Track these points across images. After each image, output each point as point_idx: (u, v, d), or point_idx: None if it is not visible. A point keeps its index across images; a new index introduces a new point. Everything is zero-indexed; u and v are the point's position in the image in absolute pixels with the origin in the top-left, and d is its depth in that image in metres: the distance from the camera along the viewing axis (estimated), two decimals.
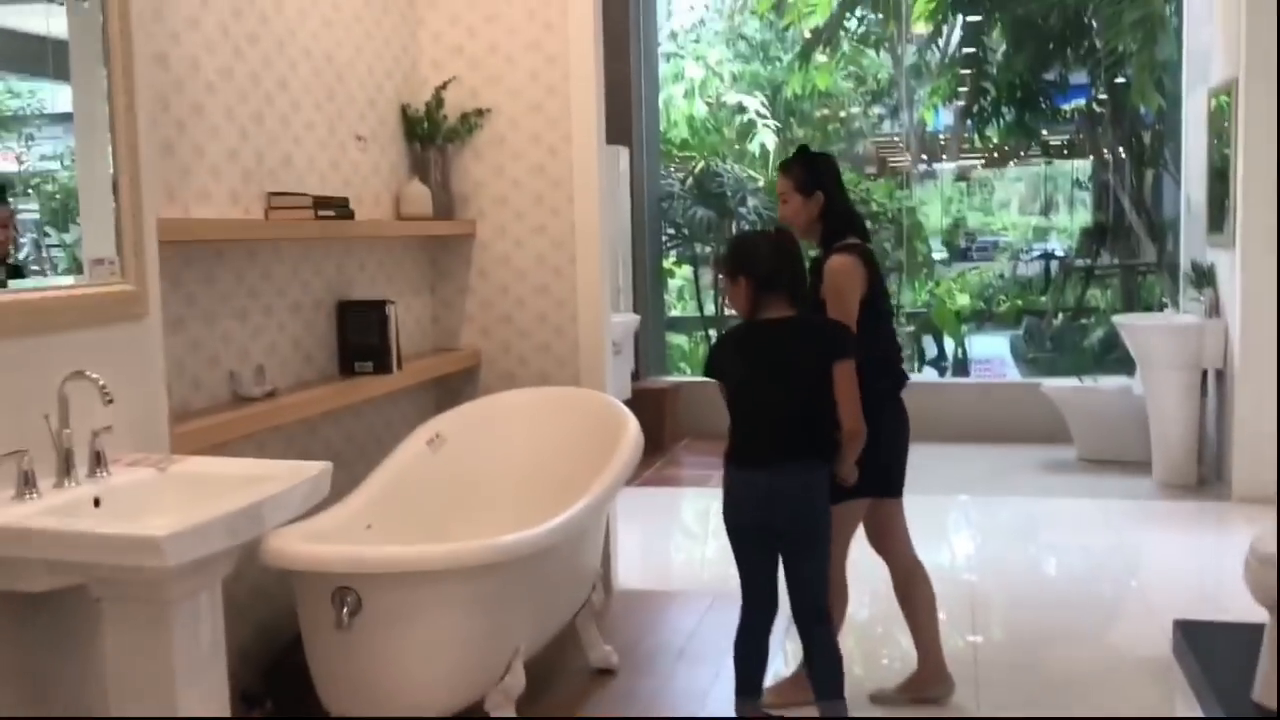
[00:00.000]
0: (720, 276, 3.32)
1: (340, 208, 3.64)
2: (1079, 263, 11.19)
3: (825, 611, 3.04)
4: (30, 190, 2.53)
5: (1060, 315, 10.81)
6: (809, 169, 3.34)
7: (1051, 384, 6.91)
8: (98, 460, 2.42)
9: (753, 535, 3.02)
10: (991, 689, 3.54)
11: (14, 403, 2.28)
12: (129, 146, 2.60)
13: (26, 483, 2.25)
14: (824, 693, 3.01)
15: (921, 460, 6.89)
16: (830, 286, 3.20)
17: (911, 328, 9.89)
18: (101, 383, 2.31)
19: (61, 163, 2.59)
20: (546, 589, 3.26)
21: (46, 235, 2.55)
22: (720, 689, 3.56)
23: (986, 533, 5.55)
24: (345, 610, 2.78)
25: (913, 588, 3.46)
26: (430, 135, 4.34)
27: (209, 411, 3.12)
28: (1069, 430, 6.80)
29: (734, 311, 3.10)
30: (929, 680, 3.46)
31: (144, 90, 2.67)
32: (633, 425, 3.76)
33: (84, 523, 2.13)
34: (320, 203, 3.53)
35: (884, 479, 3.30)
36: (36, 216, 2.55)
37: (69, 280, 2.53)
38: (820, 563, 3.02)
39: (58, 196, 2.57)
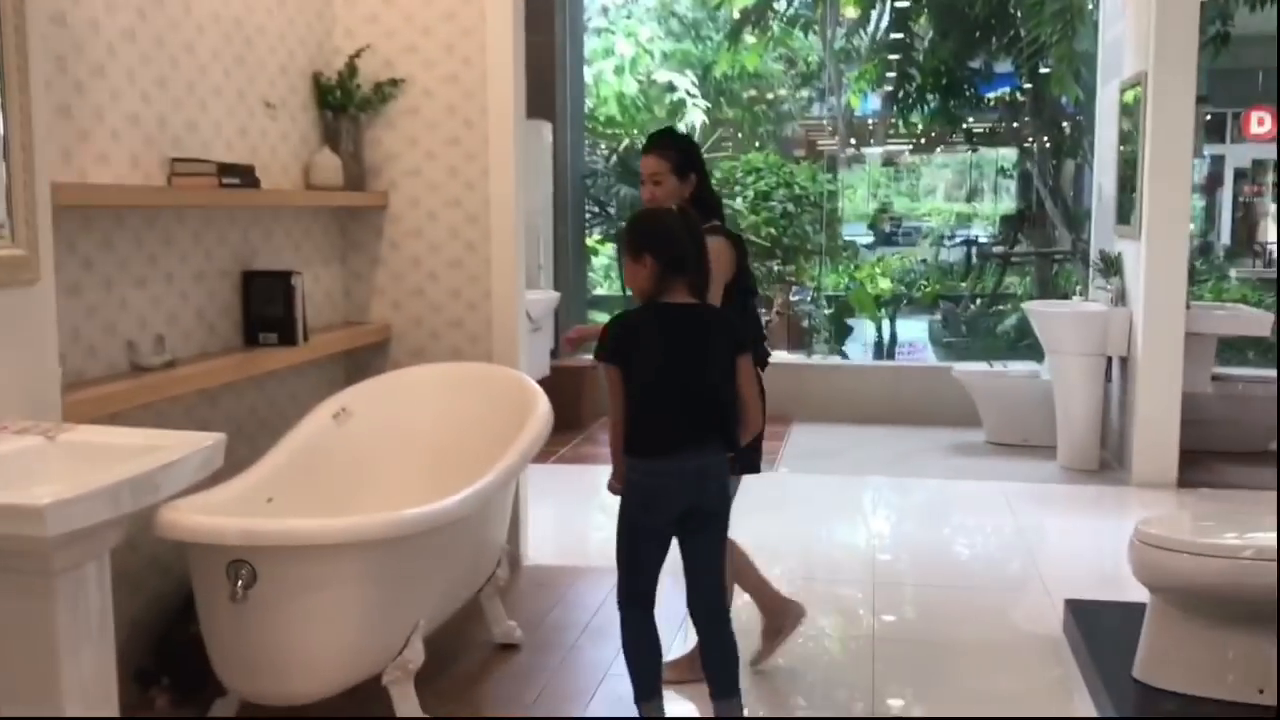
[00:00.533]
0: (621, 252, 3.20)
1: (245, 175, 3.59)
2: (996, 250, 11.40)
3: (727, 609, 3.07)
4: None
5: (977, 301, 11.01)
6: (685, 152, 3.37)
7: (962, 368, 7.05)
8: None
9: (663, 529, 2.92)
10: (891, 663, 3.61)
11: None
12: (21, 108, 2.53)
13: None
14: (723, 690, 2.97)
15: (837, 441, 7.15)
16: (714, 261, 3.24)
17: (829, 310, 10.00)
18: None
19: None
20: (449, 564, 3.26)
21: None
22: (623, 664, 3.60)
23: (899, 513, 5.65)
24: (240, 584, 2.75)
25: None
26: (343, 104, 4.29)
27: (104, 380, 3.07)
28: (978, 414, 6.94)
29: (630, 291, 3.01)
30: (776, 616, 3.57)
31: (38, 50, 2.59)
32: (542, 402, 3.77)
33: None
34: (225, 170, 3.47)
35: (750, 458, 3.31)
36: None
37: None
38: (723, 554, 3.05)
39: None
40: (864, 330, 10.55)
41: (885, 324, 10.44)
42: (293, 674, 2.88)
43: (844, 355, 9.63)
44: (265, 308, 3.76)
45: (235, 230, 3.77)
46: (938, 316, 11.14)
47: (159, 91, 3.36)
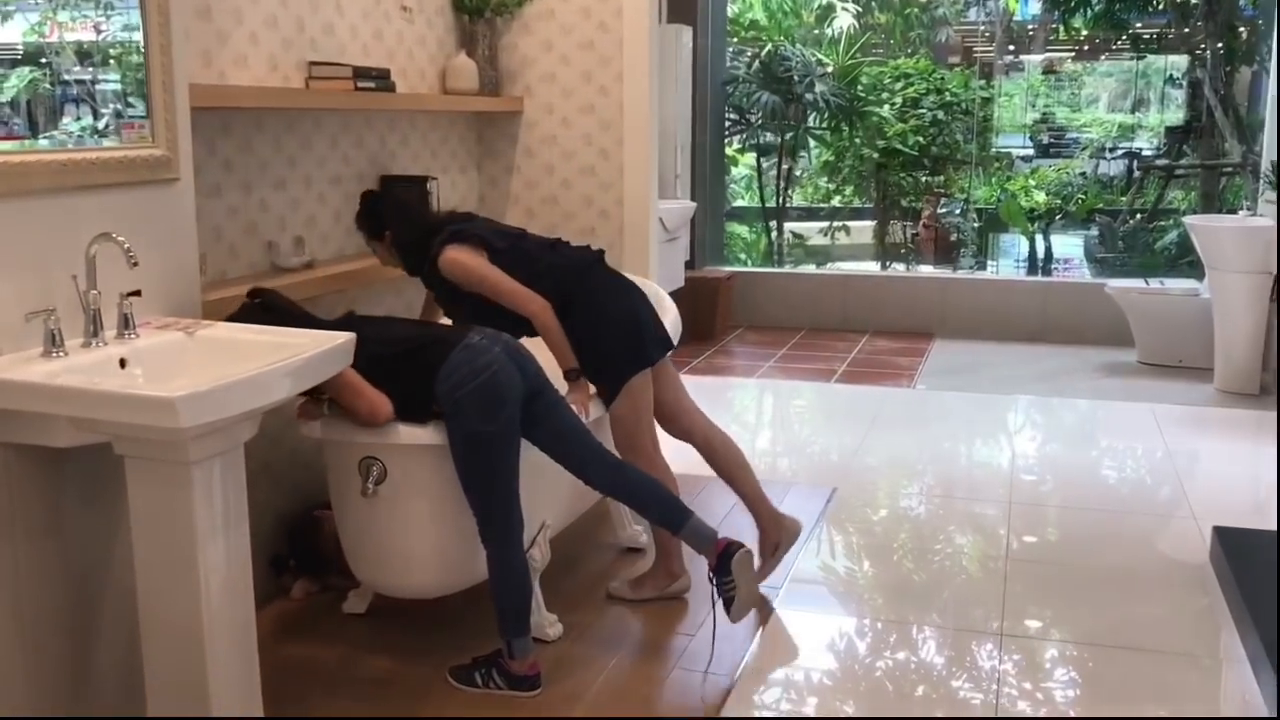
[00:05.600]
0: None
1: (381, 79, 3.61)
2: (1159, 162, 10.78)
3: (611, 454, 3.07)
4: (111, 60, 2.52)
5: (1136, 216, 10.47)
6: (366, 217, 3.30)
7: (1116, 285, 6.73)
8: (125, 322, 2.45)
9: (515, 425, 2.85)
10: (1028, 584, 3.52)
11: (42, 262, 2.31)
12: (159, 8, 2.58)
13: (54, 342, 2.29)
14: (678, 521, 2.97)
15: (981, 358, 6.93)
16: (464, 281, 3.17)
17: (979, 223, 9.66)
18: (126, 245, 2.33)
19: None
20: None
21: (130, 106, 2.55)
22: None
23: (1044, 433, 5.46)
24: (370, 480, 2.83)
25: (710, 449, 3.50)
26: (479, 8, 4.27)
27: (245, 280, 3.15)
28: (1131, 333, 6.63)
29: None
30: (772, 531, 3.47)
31: None
32: (671, 311, 3.73)
33: (106, 382, 2.16)
34: (361, 73, 3.49)
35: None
36: (118, 87, 2.54)
37: (104, 142, 2.53)
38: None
39: (129, 70, 2.55)
40: (1017, 245, 10.17)
41: (1038, 239, 10.04)
42: (418, 567, 2.96)
43: (991, 270, 9.30)
44: None
45: (372, 134, 3.81)
46: (1093, 232, 10.65)
47: None
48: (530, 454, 2.90)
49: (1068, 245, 10.71)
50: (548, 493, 3.14)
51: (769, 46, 8.62)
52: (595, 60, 4.38)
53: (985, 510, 4.23)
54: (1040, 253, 10.05)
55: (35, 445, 2.25)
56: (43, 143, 2.35)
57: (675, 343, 3.51)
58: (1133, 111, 16.67)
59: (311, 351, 2.39)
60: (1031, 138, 16.11)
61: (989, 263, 9.62)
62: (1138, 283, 6.71)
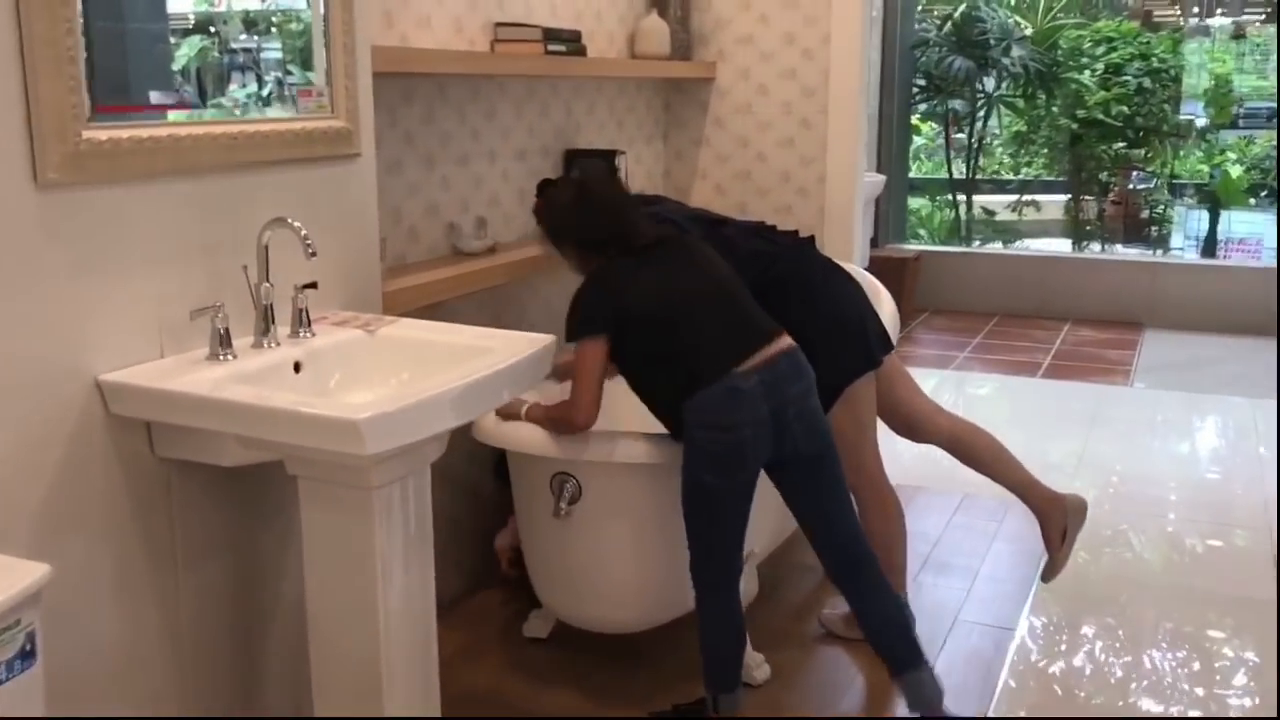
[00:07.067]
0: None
1: (572, 43, 3.25)
2: None
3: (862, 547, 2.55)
4: (274, 28, 2.24)
5: None
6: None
7: None
8: (301, 319, 2.15)
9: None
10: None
11: (208, 251, 2.02)
12: None
13: (222, 342, 2.00)
14: (902, 663, 2.48)
15: (1207, 353, 6.19)
16: None
17: (1193, 200, 8.84)
18: (304, 232, 2.02)
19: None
20: None
21: (290, 74, 2.26)
22: (972, 605, 3.16)
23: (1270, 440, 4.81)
24: (564, 499, 2.48)
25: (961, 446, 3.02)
26: None
27: (426, 266, 2.84)
28: None
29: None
30: (1055, 515, 2.91)
31: None
32: (889, 304, 3.31)
33: (279, 396, 1.85)
34: (550, 36, 3.14)
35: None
36: (279, 55, 2.26)
37: (277, 113, 2.23)
38: None
39: (304, 35, 2.26)
40: (1187, 222, 9.32)
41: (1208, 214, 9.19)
42: (614, 600, 2.61)
43: (1211, 254, 8.50)
44: None
45: (558, 103, 3.46)
46: None
47: None
48: None
49: (1254, 224, 9.78)
50: (756, 517, 2.74)
51: (962, 7, 7.98)
52: (799, 20, 3.93)
53: (1242, 543, 3.67)
54: (1211, 230, 9.18)
55: (200, 462, 1.97)
56: (209, 113, 2.05)
57: (895, 341, 3.08)
58: None
59: (514, 359, 2.04)
60: (1218, 107, 14.91)
61: (1185, 241, 8.83)
62: None
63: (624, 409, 3.04)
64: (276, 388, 1.96)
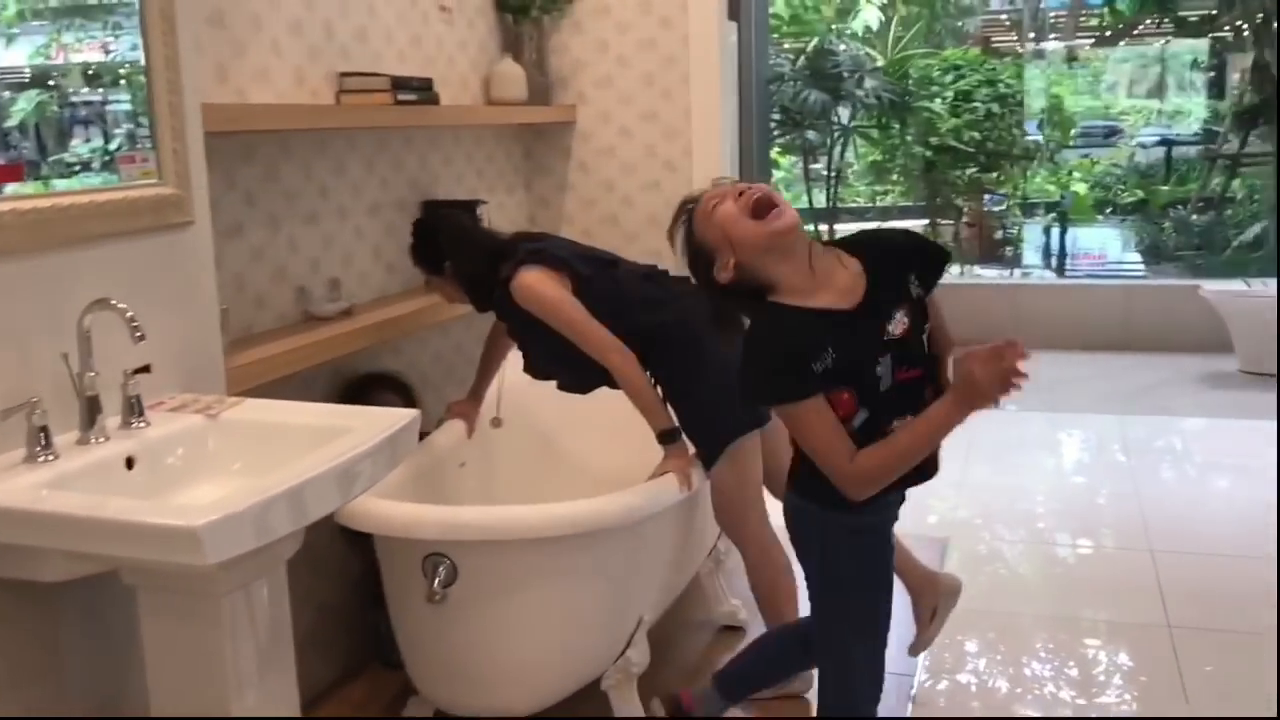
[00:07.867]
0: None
1: (423, 91, 3.09)
2: (1225, 149, 10.17)
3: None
4: (122, 81, 2.04)
5: (1180, 207, 9.89)
6: (422, 250, 2.85)
7: (1213, 287, 6.17)
8: (132, 407, 1.94)
9: None
10: (1195, 661, 2.98)
11: (20, 340, 1.80)
12: (164, 14, 2.07)
13: (40, 442, 1.78)
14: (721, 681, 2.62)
15: (1065, 372, 6.34)
16: (538, 312, 2.66)
17: (1046, 218, 9.11)
18: (130, 314, 1.82)
19: None
20: (675, 545, 2.76)
21: (140, 126, 2.06)
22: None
23: (1163, 460, 4.89)
24: (438, 582, 2.30)
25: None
26: (524, 6, 3.74)
27: (274, 336, 2.63)
28: (1230, 339, 6.08)
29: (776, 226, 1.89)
30: (926, 595, 2.86)
31: None
32: None
33: (108, 503, 1.65)
34: (400, 84, 2.98)
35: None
36: (129, 108, 2.06)
37: (94, 181, 2.02)
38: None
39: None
40: (1044, 239, 9.65)
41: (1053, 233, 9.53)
42: (500, 684, 2.43)
43: (1061, 271, 8.77)
44: None
45: (412, 154, 3.30)
46: (1166, 223, 10.02)
47: None
48: (629, 542, 2.38)
49: (1101, 239, 10.17)
50: (645, 584, 2.61)
51: (815, 41, 8.08)
52: (657, 61, 3.85)
53: (1124, 561, 3.69)
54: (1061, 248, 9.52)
55: (20, 579, 1.74)
56: (30, 186, 1.85)
57: None
58: (1156, 96, 15.99)
59: (376, 438, 1.87)
60: (1063, 128, 15.48)
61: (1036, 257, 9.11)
62: (1236, 284, 6.16)
63: (501, 479, 2.88)
64: (106, 490, 1.75)
